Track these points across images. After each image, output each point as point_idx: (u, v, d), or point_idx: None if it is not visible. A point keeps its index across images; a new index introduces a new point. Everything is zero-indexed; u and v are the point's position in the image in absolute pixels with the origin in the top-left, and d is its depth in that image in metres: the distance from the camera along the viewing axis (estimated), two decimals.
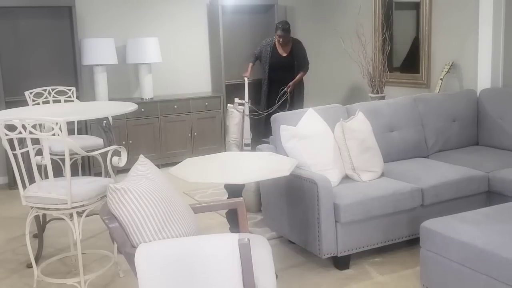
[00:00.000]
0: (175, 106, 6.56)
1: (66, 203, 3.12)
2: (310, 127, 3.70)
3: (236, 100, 5.08)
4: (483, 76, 4.93)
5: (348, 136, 3.70)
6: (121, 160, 3.33)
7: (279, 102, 5.63)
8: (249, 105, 5.22)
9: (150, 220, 2.22)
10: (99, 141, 4.61)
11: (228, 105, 5.07)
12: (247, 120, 5.01)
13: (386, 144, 4.19)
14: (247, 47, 7.28)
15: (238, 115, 4.84)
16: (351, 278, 3.43)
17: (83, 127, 5.98)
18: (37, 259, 3.73)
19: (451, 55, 5.46)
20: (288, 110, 5.60)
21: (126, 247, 2.22)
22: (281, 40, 6.33)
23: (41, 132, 3.30)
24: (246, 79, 6.18)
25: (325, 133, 3.71)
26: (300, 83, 6.54)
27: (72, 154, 4.25)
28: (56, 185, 3.15)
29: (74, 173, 3.92)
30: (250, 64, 6.56)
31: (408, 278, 3.40)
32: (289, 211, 3.71)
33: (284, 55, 6.46)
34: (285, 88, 6.14)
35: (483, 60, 4.92)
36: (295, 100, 6.41)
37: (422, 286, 3.03)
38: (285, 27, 6.31)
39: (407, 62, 6.12)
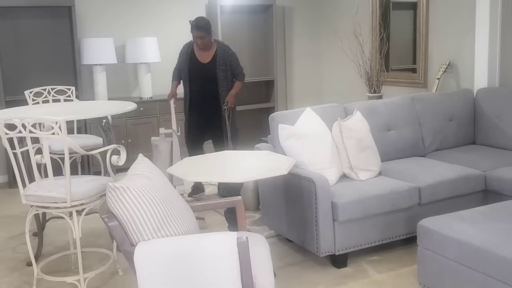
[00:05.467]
0: (174, 105, 6.56)
1: (66, 202, 3.13)
2: (308, 126, 3.72)
3: (162, 130, 4.40)
4: (480, 75, 4.95)
5: (345, 135, 3.72)
6: (120, 159, 3.35)
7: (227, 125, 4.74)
8: (178, 134, 4.47)
9: (149, 218, 2.24)
10: (99, 140, 4.63)
11: (153, 138, 4.41)
12: (176, 154, 4.27)
13: (383, 143, 4.21)
14: (246, 46, 7.30)
15: (165, 149, 4.09)
16: (349, 276, 3.45)
17: (83, 126, 6.00)
18: (37, 257, 3.75)
19: (448, 54, 5.48)
20: (231, 135, 4.94)
21: (125, 245, 2.23)
22: (199, 42, 4.74)
23: (40, 131, 3.31)
24: (172, 103, 4.82)
25: (323, 132, 3.73)
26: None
27: (71, 153, 4.27)
28: (55, 183, 3.17)
29: (73, 172, 3.94)
30: (175, 83, 5.06)
31: (405, 276, 3.42)
32: (287, 210, 3.73)
33: (205, 62, 4.89)
34: (225, 106, 4.86)
35: (480, 60, 4.94)
36: (234, 119, 5.02)
37: (419, 284, 3.05)
38: (201, 25, 4.70)
39: (404, 62, 6.14)
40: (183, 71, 4.98)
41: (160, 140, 4.35)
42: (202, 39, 4.74)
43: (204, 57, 4.91)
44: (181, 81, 5.08)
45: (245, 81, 5.15)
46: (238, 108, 7.15)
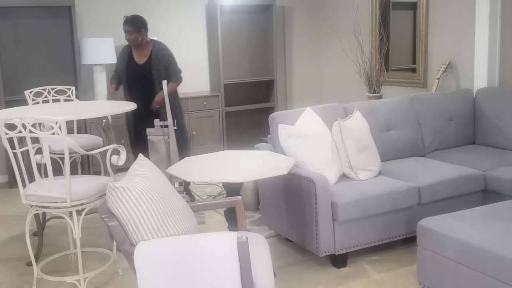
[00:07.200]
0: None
1: (66, 202, 3.14)
2: (308, 126, 3.72)
3: (157, 121, 4.32)
4: (480, 75, 4.96)
5: (345, 135, 3.72)
6: (120, 159, 3.35)
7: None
8: (175, 128, 4.36)
9: (149, 218, 2.24)
10: (99, 140, 4.63)
11: (148, 130, 4.32)
12: (174, 149, 4.22)
13: (383, 143, 4.22)
14: (245, 46, 7.31)
15: (162, 145, 4.06)
16: (349, 276, 3.46)
17: (83, 126, 6.00)
18: (36, 257, 3.75)
19: (447, 54, 5.48)
20: (183, 141, 4.84)
21: (125, 245, 2.23)
22: (126, 37, 4.67)
23: (40, 131, 3.31)
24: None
25: (323, 132, 3.73)
26: (175, 99, 4.86)
27: (71, 153, 4.27)
28: (55, 183, 3.17)
29: (73, 172, 3.94)
30: (113, 86, 4.90)
31: (405, 276, 3.42)
32: (287, 210, 3.73)
33: (141, 62, 4.76)
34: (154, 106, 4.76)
35: (480, 60, 4.94)
36: (180, 122, 4.89)
37: (419, 284, 3.06)
38: (129, 19, 4.63)
39: (404, 62, 6.14)
40: (121, 74, 4.88)
41: (156, 131, 4.29)
42: (129, 34, 4.69)
43: (140, 58, 4.81)
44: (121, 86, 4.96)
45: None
46: (238, 108, 7.18)
